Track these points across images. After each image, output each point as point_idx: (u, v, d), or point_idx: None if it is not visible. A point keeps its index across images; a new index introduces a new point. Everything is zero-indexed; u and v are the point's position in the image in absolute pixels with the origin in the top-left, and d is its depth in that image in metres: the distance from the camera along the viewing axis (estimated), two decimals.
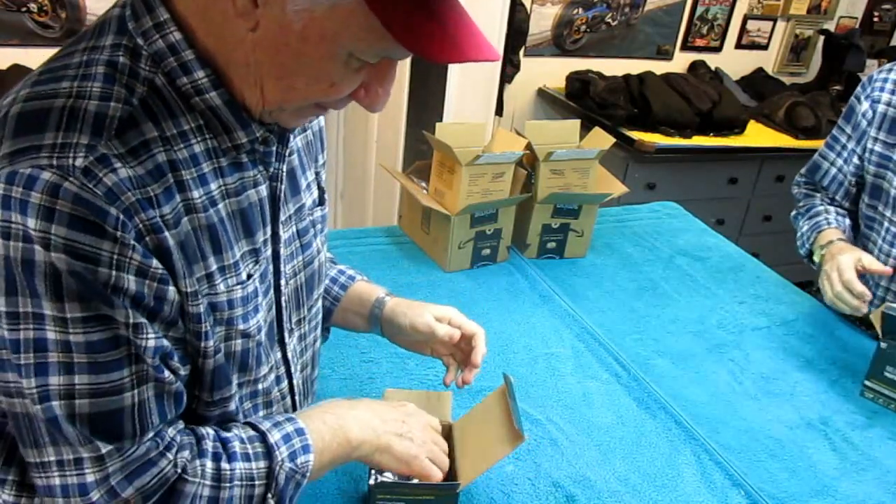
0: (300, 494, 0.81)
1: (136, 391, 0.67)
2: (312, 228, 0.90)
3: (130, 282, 0.64)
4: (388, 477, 0.95)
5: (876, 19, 3.97)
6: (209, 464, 0.74)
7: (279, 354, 0.87)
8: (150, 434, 0.69)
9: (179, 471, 0.71)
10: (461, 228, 1.63)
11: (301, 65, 0.66)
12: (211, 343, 0.73)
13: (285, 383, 0.89)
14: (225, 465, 0.74)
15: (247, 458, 0.76)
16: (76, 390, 0.64)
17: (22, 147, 0.61)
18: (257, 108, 0.71)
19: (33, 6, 2.30)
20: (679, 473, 1.15)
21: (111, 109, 0.64)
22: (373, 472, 0.95)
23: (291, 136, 0.83)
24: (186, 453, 0.72)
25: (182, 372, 0.72)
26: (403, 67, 2.35)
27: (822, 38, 3.77)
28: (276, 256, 0.82)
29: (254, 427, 0.80)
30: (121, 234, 0.62)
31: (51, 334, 0.62)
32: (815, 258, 1.56)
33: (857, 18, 3.93)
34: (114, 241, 0.62)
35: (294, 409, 0.93)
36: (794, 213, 1.75)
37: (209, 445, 0.75)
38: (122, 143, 0.64)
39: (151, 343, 0.67)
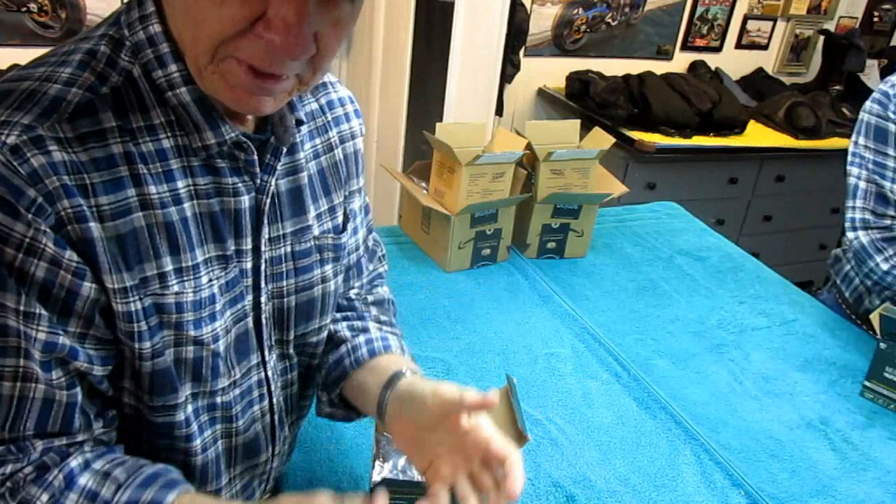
0: None
1: (18, 384, 0.64)
2: (318, 254, 0.85)
3: (39, 268, 0.62)
4: (390, 475, 0.95)
5: (876, 19, 3.97)
6: (43, 497, 0.67)
7: (261, 374, 0.84)
8: (17, 440, 0.66)
9: (10, 486, 0.66)
10: (461, 228, 1.63)
11: None
12: (148, 345, 0.70)
13: (266, 402, 0.86)
14: None
15: None
16: None
17: None
18: (198, 74, 0.67)
19: (33, 6, 2.30)
20: (679, 473, 1.15)
21: (71, 94, 0.64)
22: (375, 470, 0.95)
23: (302, 155, 0.80)
24: (31, 471, 0.66)
25: (96, 372, 0.69)
26: (404, 68, 2.36)
27: (822, 38, 3.77)
28: (255, 271, 0.79)
29: (116, 489, 0.68)
30: (33, 217, 0.61)
31: None
32: None
33: (857, 18, 3.94)
34: (27, 225, 0.61)
35: (273, 427, 0.88)
36: (890, 263, 1.50)
37: (56, 479, 0.67)
38: (73, 127, 0.63)
39: (42, 336, 0.64)
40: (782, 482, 1.16)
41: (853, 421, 1.32)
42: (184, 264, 0.71)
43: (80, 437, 0.70)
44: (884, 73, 3.64)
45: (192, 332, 0.73)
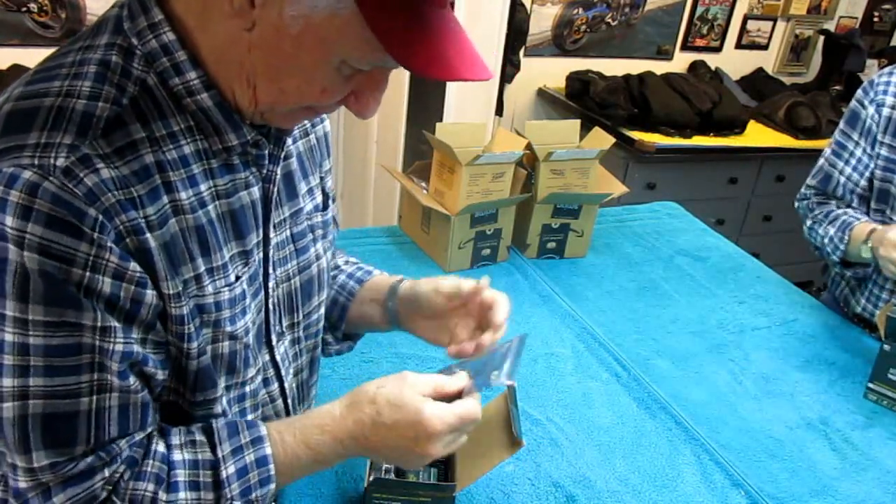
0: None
1: (94, 398, 0.66)
2: (311, 233, 0.89)
3: (105, 283, 0.63)
4: (385, 476, 0.95)
5: (876, 19, 3.97)
6: (149, 487, 0.70)
7: (267, 357, 0.86)
8: (103, 445, 0.68)
9: (110, 488, 0.69)
10: (461, 228, 1.63)
11: (293, 68, 0.67)
12: (195, 345, 0.72)
13: (275, 386, 0.88)
14: (163, 494, 0.71)
15: (195, 486, 0.73)
16: (30, 391, 0.64)
17: (7, 146, 0.61)
18: (249, 108, 0.71)
19: (33, 6, 2.30)
20: (679, 473, 1.15)
21: (99, 109, 0.64)
22: (370, 471, 0.95)
23: (290, 140, 0.83)
24: (124, 469, 0.70)
25: (159, 377, 0.71)
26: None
27: (822, 38, 3.77)
28: (265, 259, 0.82)
29: (213, 448, 0.75)
30: (98, 235, 0.62)
31: (8, 336, 0.62)
32: (865, 254, 1.47)
33: (857, 18, 3.93)
34: (90, 243, 0.62)
35: (287, 412, 0.91)
36: (808, 223, 1.65)
37: (153, 467, 0.71)
38: (108, 143, 0.64)
39: (119, 347, 0.66)
40: (782, 482, 1.16)
41: (853, 421, 1.32)
42: (214, 264, 0.73)
43: (150, 429, 0.73)
44: None
45: (228, 328, 0.76)
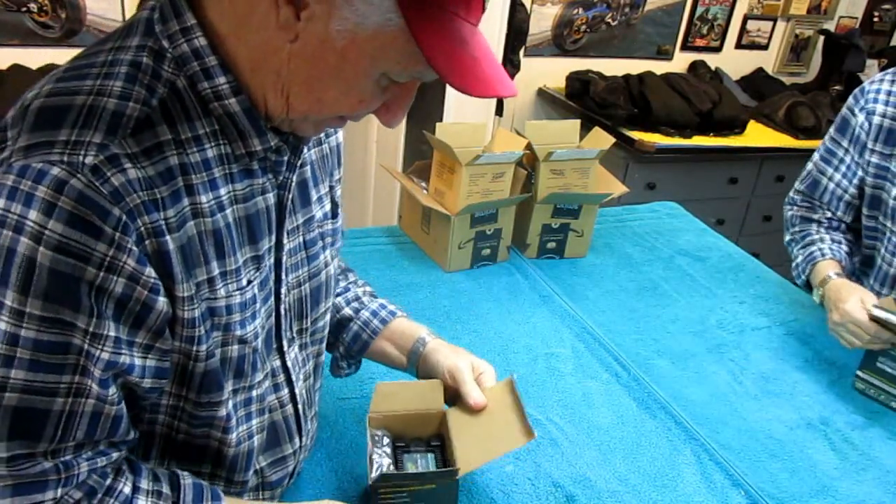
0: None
1: (70, 399, 0.65)
2: (321, 241, 0.90)
3: (118, 284, 0.64)
4: (388, 471, 0.95)
5: (876, 19, 3.97)
6: None
7: (278, 362, 0.87)
8: (64, 451, 0.67)
9: None
10: (461, 228, 1.63)
11: (334, 80, 0.67)
12: (204, 347, 0.73)
13: (285, 391, 0.89)
14: None
15: None
16: (9, 383, 0.63)
17: (37, 142, 0.62)
18: (280, 115, 0.71)
19: (33, 6, 2.30)
20: (679, 473, 1.15)
21: (129, 109, 0.65)
22: (373, 467, 0.95)
23: (305, 148, 0.83)
24: (80, 497, 0.68)
25: (145, 384, 0.70)
26: None
27: (822, 38, 3.77)
28: (277, 264, 0.82)
29: None
30: (120, 235, 0.62)
31: (2, 325, 0.62)
32: (815, 298, 1.54)
33: (857, 18, 3.94)
34: (109, 243, 0.62)
35: (297, 417, 0.92)
36: (787, 237, 1.71)
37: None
38: (137, 142, 0.65)
39: (105, 356, 0.65)
40: (782, 482, 1.16)
41: (853, 421, 1.32)
42: (228, 268, 0.74)
43: (114, 454, 0.71)
44: None
45: (237, 332, 0.76)
